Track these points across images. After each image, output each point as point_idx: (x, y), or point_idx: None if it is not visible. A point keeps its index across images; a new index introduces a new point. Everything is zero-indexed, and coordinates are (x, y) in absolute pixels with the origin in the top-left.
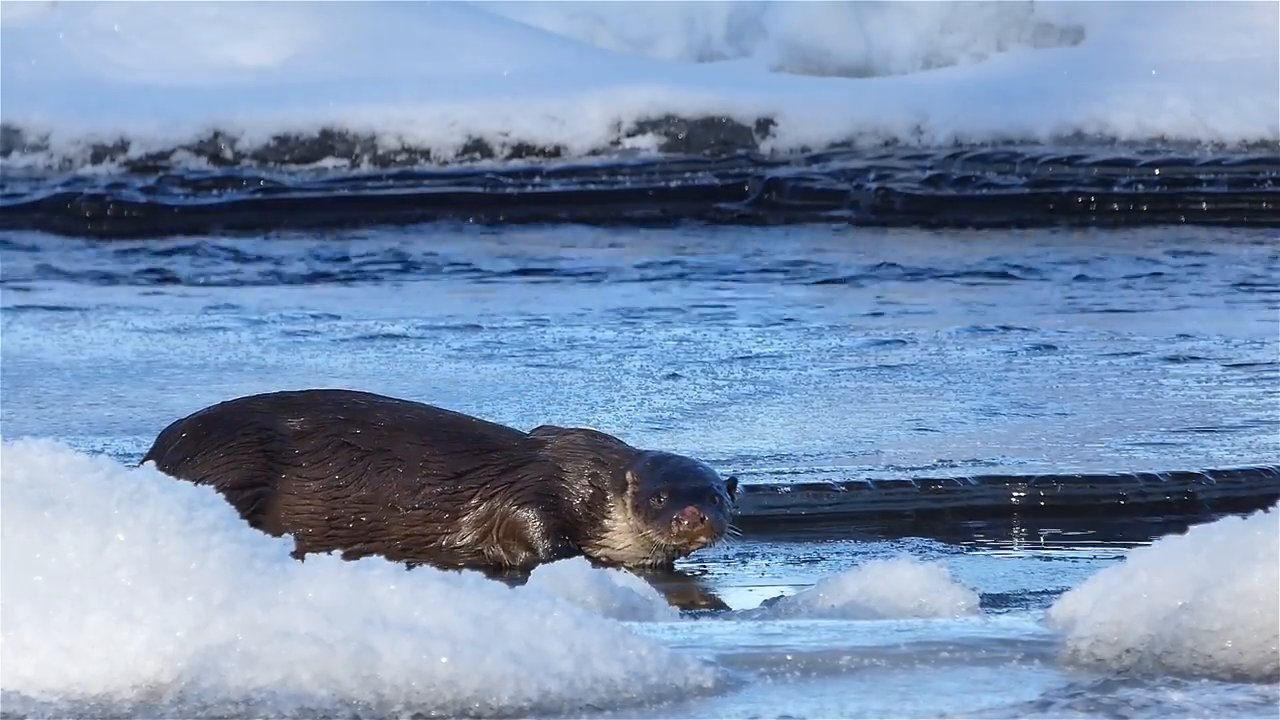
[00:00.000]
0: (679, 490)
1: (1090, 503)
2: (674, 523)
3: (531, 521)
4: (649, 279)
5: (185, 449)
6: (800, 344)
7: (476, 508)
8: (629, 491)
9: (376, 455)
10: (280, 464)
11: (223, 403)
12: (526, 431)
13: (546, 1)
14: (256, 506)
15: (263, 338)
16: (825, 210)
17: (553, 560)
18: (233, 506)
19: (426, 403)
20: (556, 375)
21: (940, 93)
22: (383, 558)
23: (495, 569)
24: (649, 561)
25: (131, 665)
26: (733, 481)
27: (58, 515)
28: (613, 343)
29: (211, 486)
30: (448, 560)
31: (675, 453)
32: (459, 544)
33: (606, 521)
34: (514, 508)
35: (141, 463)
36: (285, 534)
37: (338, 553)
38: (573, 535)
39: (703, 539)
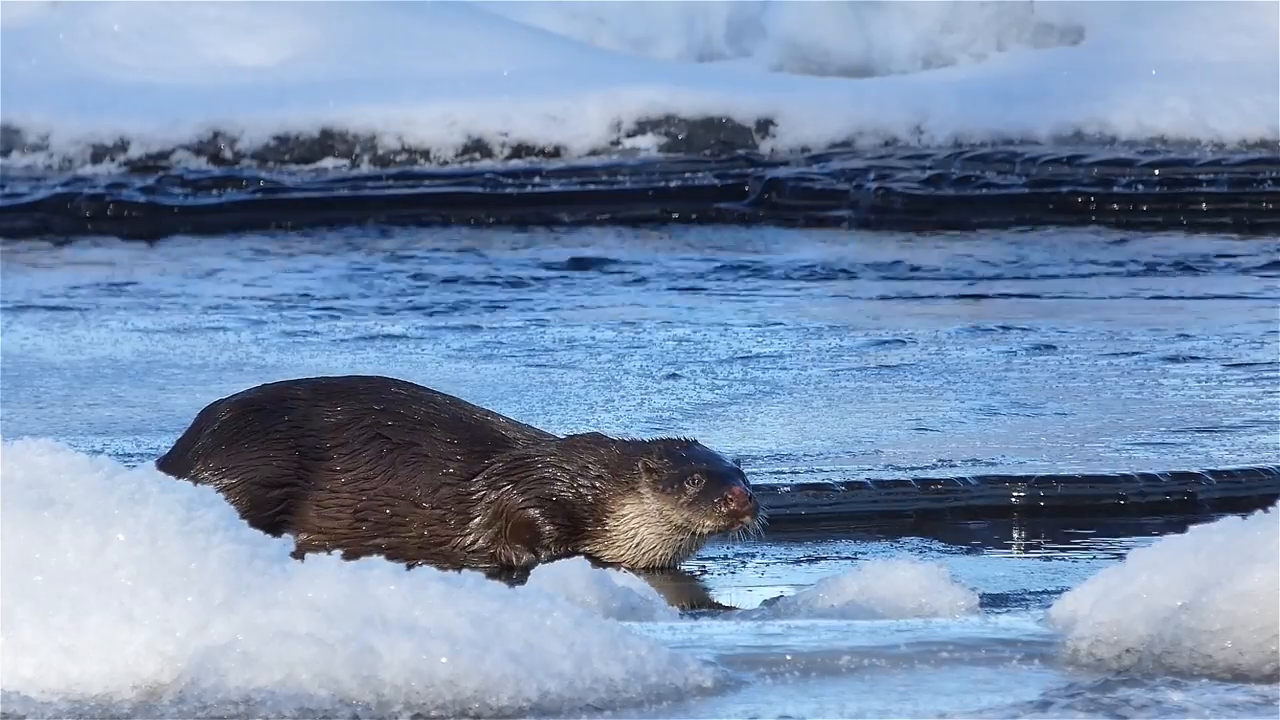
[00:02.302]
0: (717, 471)
1: (1090, 503)
2: (720, 504)
3: (534, 524)
4: (649, 279)
5: (221, 436)
6: (800, 344)
7: (484, 510)
8: (649, 479)
9: (405, 449)
10: (312, 459)
11: (263, 386)
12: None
13: (546, 1)
14: (284, 506)
15: (263, 338)
16: (825, 210)
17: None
18: (260, 504)
19: (461, 398)
20: (556, 375)
21: (940, 93)
22: (382, 558)
23: (499, 570)
24: (658, 559)
25: (131, 665)
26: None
27: (58, 515)
28: (613, 343)
29: (239, 480)
30: (462, 562)
31: (679, 436)
32: (470, 547)
33: (612, 521)
34: (517, 510)
35: (178, 442)
36: (311, 529)
37: (337, 553)
38: (577, 539)
39: (747, 519)
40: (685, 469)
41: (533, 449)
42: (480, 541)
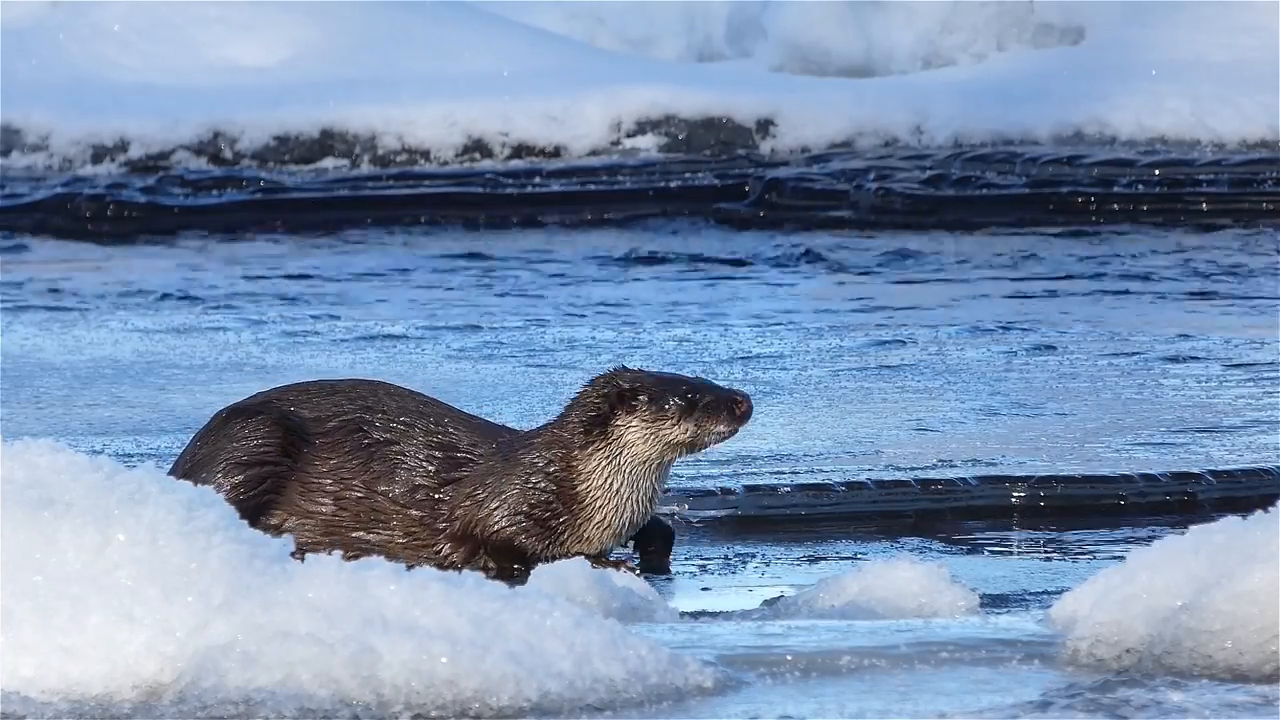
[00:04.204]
0: (704, 383)
1: (1090, 503)
2: (734, 405)
3: (511, 543)
4: (649, 279)
5: (210, 432)
6: (800, 344)
7: (452, 524)
8: (645, 410)
9: (384, 446)
10: (297, 444)
11: (259, 393)
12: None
13: (546, 1)
14: (269, 485)
15: (263, 338)
16: (825, 210)
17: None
18: (248, 483)
19: (457, 401)
20: (556, 375)
21: (940, 93)
22: (382, 558)
23: (499, 570)
24: (635, 498)
25: (131, 665)
26: None
27: (58, 515)
28: (613, 343)
29: (222, 464)
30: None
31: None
32: (444, 554)
33: (583, 486)
34: (494, 533)
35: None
36: (297, 512)
37: (338, 553)
38: (554, 534)
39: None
40: (677, 390)
41: (488, 467)
42: (454, 557)
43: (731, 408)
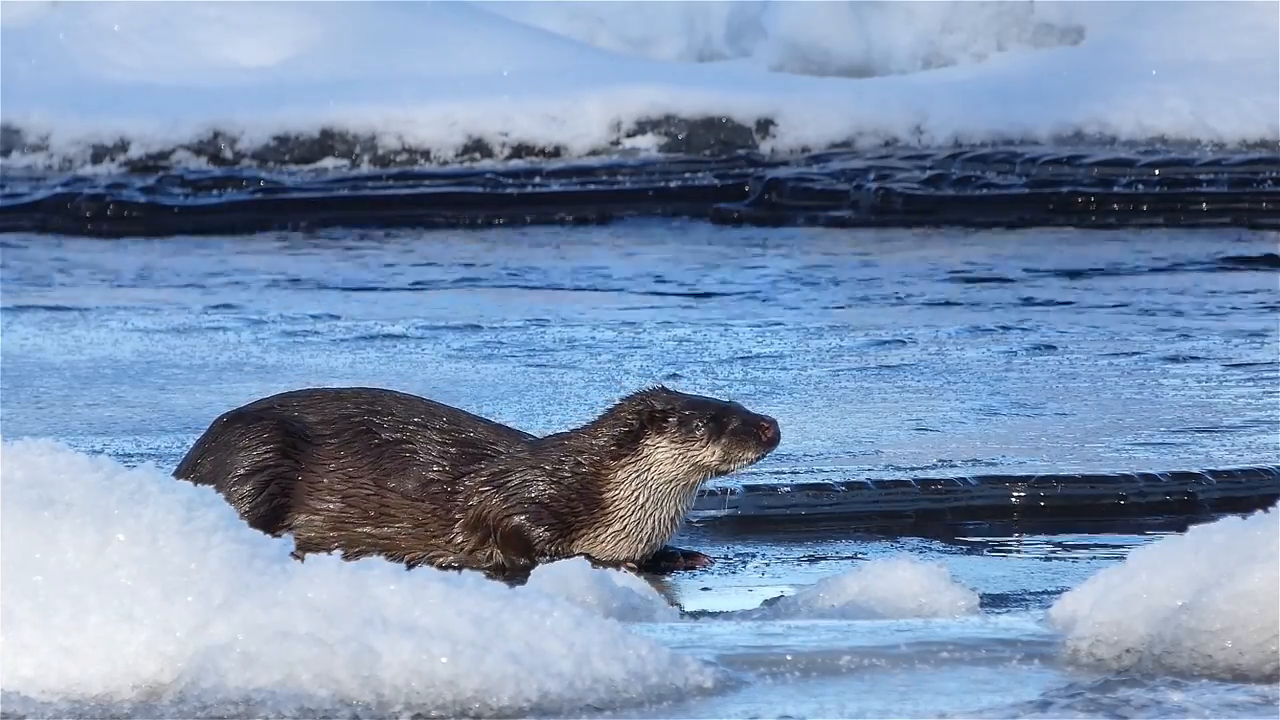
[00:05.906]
0: (735, 407)
1: (1090, 503)
2: (761, 430)
3: (521, 531)
4: (649, 279)
5: (213, 439)
6: (800, 344)
7: (467, 512)
8: (674, 431)
9: (395, 445)
10: (303, 447)
11: (262, 399)
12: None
13: (546, 1)
14: (273, 490)
15: (263, 338)
16: (825, 210)
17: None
18: (255, 491)
19: (460, 401)
20: (556, 375)
21: (940, 93)
22: (382, 558)
23: (499, 569)
24: (659, 521)
25: (131, 665)
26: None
27: (58, 515)
28: (613, 343)
29: (232, 477)
30: (458, 561)
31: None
32: (458, 543)
33: (609, 493)
34: (502, 518)
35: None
36: (306, 511)
37: (337, 553)
38: (569, 531)
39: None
40: (707, 413)
41: (513, 457)
42: (470, 543)
43: (759, 433)
